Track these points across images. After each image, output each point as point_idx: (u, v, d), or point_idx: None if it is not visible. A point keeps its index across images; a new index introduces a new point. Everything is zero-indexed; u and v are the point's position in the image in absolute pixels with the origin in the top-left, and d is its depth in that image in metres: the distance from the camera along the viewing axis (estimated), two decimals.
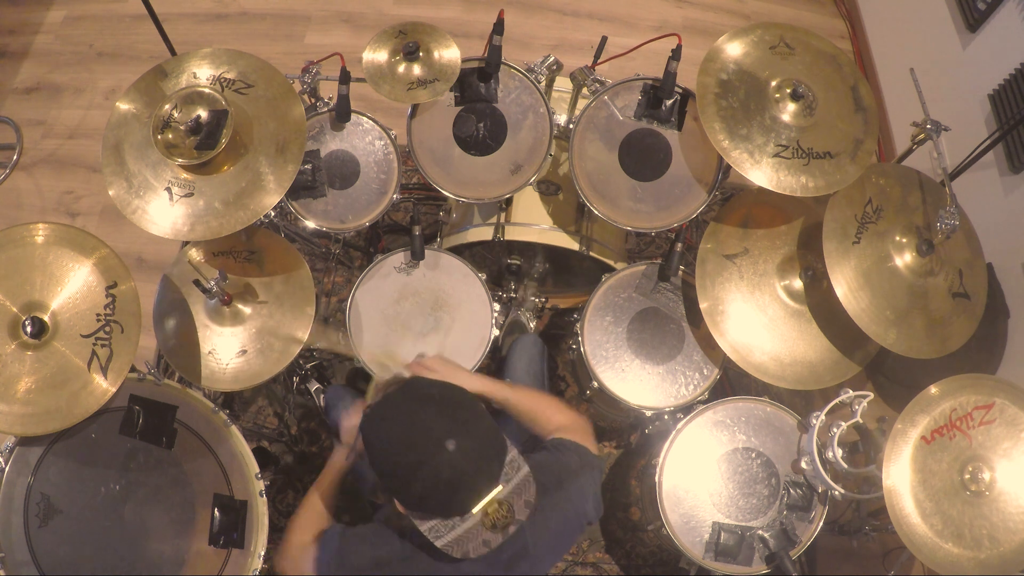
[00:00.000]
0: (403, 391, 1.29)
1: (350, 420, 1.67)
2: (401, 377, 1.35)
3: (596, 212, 2.02)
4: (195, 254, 1.97)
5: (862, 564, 2.42)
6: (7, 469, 1.57)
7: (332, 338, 2.07)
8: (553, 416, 1.62)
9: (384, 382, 1.36)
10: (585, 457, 1.48)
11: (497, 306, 2.12)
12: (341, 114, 2.00)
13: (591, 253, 2.20)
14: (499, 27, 1.87)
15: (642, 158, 1.97)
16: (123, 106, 1.78)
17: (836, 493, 1.80)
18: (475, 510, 1.21)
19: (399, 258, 2.11)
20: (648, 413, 2.02)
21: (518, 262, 2.35)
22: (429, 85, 1.90)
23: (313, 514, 1.58)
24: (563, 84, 2.22)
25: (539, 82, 1.97)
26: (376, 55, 1.92)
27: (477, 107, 1.98)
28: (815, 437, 1.83)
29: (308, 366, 2.48)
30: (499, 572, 1.33)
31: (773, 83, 1.81)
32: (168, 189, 1.72)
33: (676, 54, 1.84)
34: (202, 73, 1.81)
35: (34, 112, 3.26)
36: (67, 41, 3.44)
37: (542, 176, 2.18)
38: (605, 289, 2.12)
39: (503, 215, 2.24)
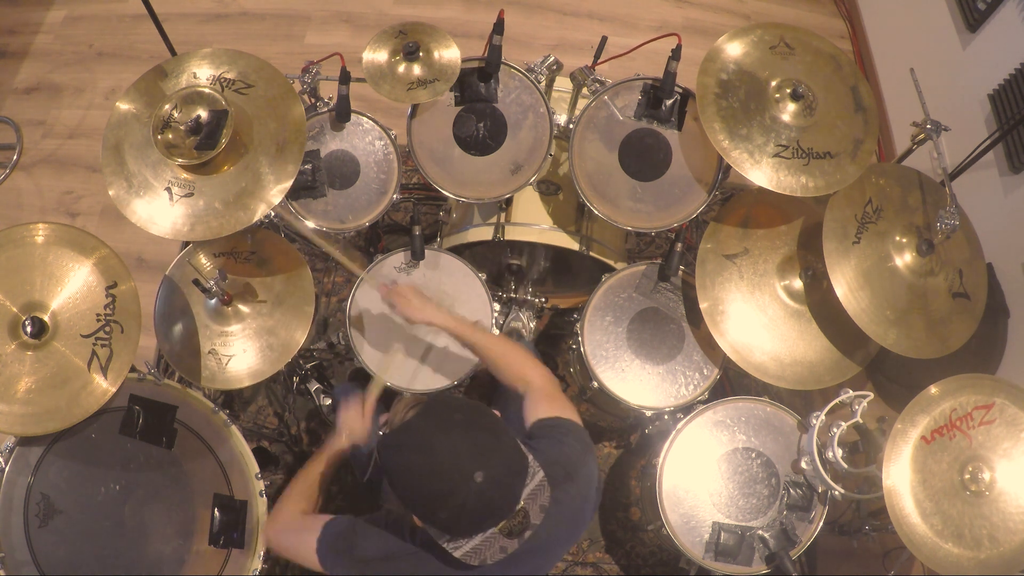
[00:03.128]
0: (425, 416, 1.25)
1: (347, 413, 1.68)
2: (420, 398, 1.31)
3: (596, 212, 2.02)
4: (197, 255, 1.97)
5: (862, 564, 2.41)
6: (7, 469, 1.57)
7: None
8: (523, 369, 1.60)
9: (404, 402, 1.32)
10: (582, 439, 1.46)
11: (497, 306, 2.12)
12: (341, 114, 2.00)
13: (591, 253, 2.20)
14: (499, 27, 1.87)
15: (642, 158, 1.97)
16: (123, 106, 1.78)
17: (836, 493, 1.80)
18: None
19: (399, 258, 2.11)
20: (648, 413, 2.02)
21: (518, 262, 2.35)
22: (429, 85, 1.90)
23: (307, 488, 1.59)
24: (563, 84, 2.22)
25: (539, 82, 1.97)
26: (376, 55, 1.92)
27: (477, 107, 1.98)
28: (815, 437, 1.83)
29: (308, 366, 2.48)
30: (513, 564, 1.31)
31: (773, 83, 1.81)
32: (168, 189, 1.71)
33: (676, 54, 1.84)
34: (202, 73, 1.81)
35: (34, 112, 3.26)
36: (67, 41, 3.44)
37: (542, 176, 2.18)
38: (605, 289, 2.12)
39: (503, 215, 2.24)
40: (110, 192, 1.71)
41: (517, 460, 1.25)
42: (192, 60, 1.83)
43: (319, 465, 1.62)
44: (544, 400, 1.52)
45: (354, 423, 1.66)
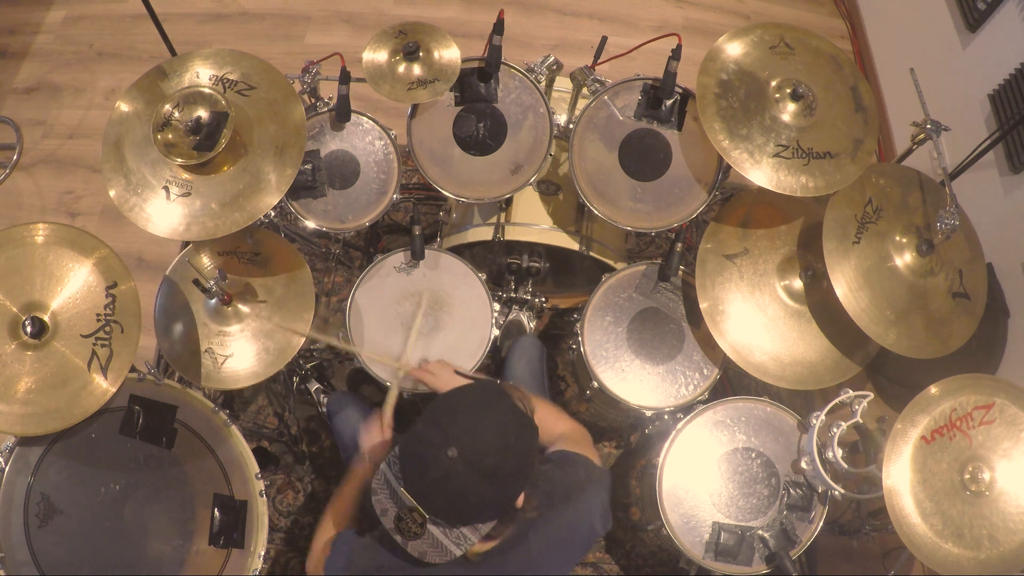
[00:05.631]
0: (448, 393, 1.31)
1: (368, 436, 1.71)
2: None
3: (596, 212, 2.02)
4: (198, 255, 1.97)
5: (862, 564, 2.41)
6: (7, 469, 1.57)
7: (331, 334, 2.07)
8: (555, 424, 1.63)
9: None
10: (591, 471, 1.49)
11: (497, 306, 2.12)
12: (341, 114, 2.00)
13: (591, 253, 2.20)
14: (499, 27, 1.87)
15: (642, 158, 1.97)
16: (124, 106, 1.77)
17: (836, 493, 1.80)
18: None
19: (399, 258, 2.11)
20: (648, 413, 2.02)
21: (518, 262, 2.35)
22: (429, 85, 1.90)
23: (338, 516, 1.61)
24: (563, 84, 2.22)
25: (539, 82, 1.97)
26: (376, 55, 1.92)
27: (477, 107, 1.98)
28: (815, 437, 1.83)
29: (308, 366, 2.48)
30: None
31: (773, 83, 1.81)
32: (166, 188, 1.71)
33: (676, 54, 1.84)
34: (204, 73, 1.81)
35: (34, 112, 3.26)
36: (67, 41, 3.44)
37: (542, 176, 2.18)
38: (605, 289, 2.11)
39: (503, 215, 2.24)
40: (110, 193, 1.71)
41: (506, 465, 1.21)
42: (195, 60, 1.82)
43: (350, 489, 1.64)
44: (570, 443, 1.55)
45: (376, 449, 1.68)
